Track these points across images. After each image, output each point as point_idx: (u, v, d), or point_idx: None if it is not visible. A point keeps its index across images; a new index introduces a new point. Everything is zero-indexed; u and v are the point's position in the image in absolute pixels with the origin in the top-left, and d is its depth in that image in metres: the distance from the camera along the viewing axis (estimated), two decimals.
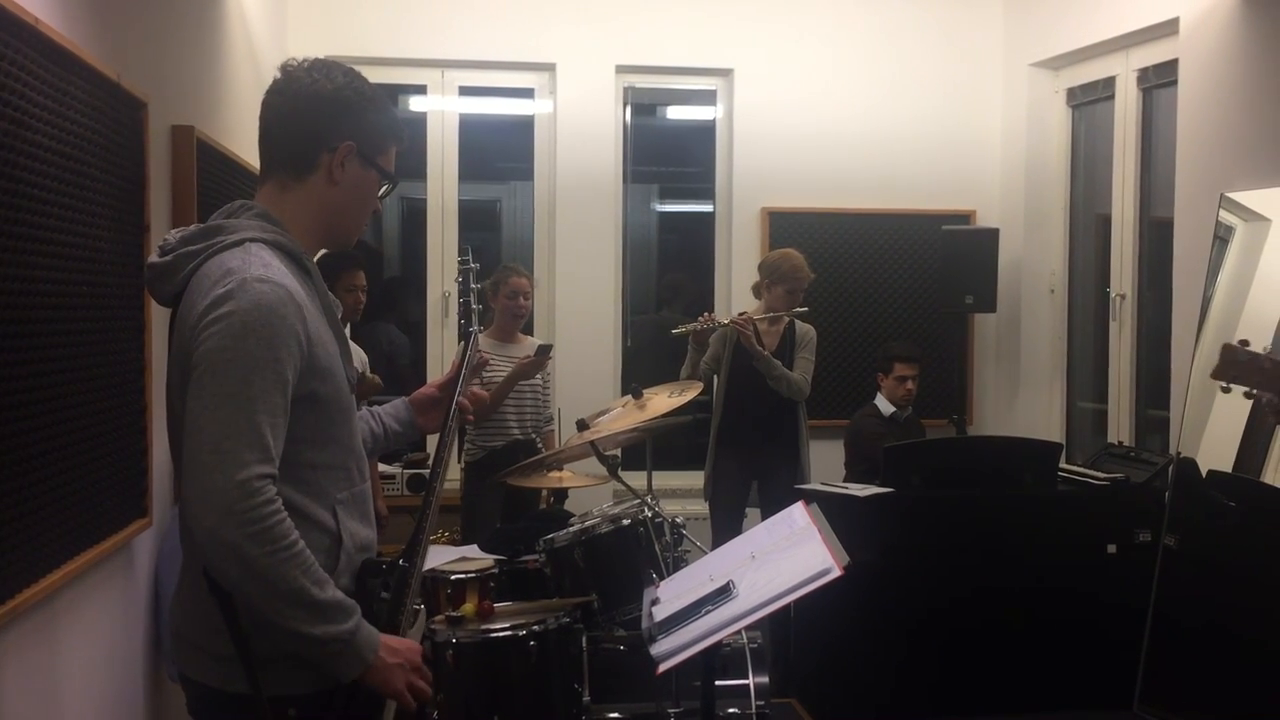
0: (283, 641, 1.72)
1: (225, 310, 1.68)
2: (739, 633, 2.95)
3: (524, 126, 6.00)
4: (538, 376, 4.86)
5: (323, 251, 2.03)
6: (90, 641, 2.74)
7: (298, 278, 1.81)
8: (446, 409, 2.21)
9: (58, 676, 2.52)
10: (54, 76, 2.40)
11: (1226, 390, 2.87)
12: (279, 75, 1.90)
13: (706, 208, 6.21)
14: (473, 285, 2.47)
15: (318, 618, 1.69)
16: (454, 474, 5.18)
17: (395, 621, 1.89)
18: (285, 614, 1.68)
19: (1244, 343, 2.85)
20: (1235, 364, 2.79)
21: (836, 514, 2.59)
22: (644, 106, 6.23)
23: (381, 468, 5.21)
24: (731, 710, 3.00)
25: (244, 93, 4.42)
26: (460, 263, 2.51)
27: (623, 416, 3.94)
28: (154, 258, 1.85)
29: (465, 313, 2.45)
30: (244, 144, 4.30)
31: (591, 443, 3.61)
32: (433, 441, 5.53)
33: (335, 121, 1.87)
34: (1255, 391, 2.81)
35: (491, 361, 4.76)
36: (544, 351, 4.68)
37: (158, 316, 3.13)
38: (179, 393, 1.75)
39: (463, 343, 2.37)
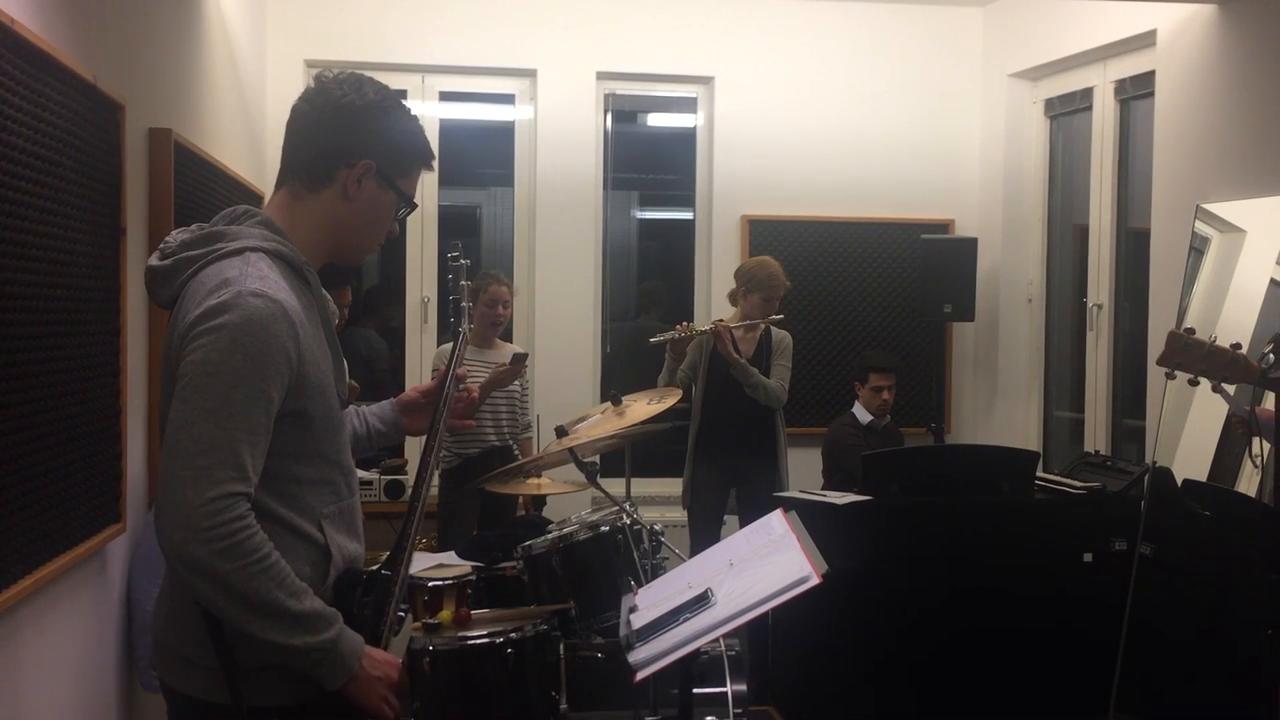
0: (266, 652, 1.70)
1: (216, 323, 1.66)
2: (717, 640, 2.94)
3: (504, 132, 5.99)
4: (515, 384, 4.85)
5: None
6: (61, 648, 2.71)
7: (297, 289, 1.79)
8: (432, 412, 2.19)
9: (27, 684, 2.49)
10: (29, 77, 2.38)
11: (1171, 377, 2.93)
12: (311, 84, 1.89)
13: (686, 215, 6.22)
14: (463, 283, 2.42)
15: (296, 629, 1.68)
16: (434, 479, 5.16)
17: (377, 632, 1.86)
18: (262, 627, 1.66)
19: (1189, 330, 2.88)
20: (1179, 350, 2.84)
21: (815, 522, 2.59)
22: (624, 113, 6.23)
23: (359, 474, 5.17)
24: (709, 718, 2.99)
25: (223, 96, 4.40)
26: (451, 259, 2.44)
27: (602, 423, 3.93)
28: (154, 260, 1.82)
29: (455, 312, 2.41)
30: (223, 147, 4.28)
31: (570, 449, 3.60)
32: (412, 448, 5.53)
33: (357, 137, 1.84)
34: (1197, 378, 2.86)
35: (470, 368, 4.75)
36: (519, 359, 4.66)
37: (134, 320, 3.10)
38: (169, 400, 1.73)
39: (451, 344, 2.34)
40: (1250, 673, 3.68)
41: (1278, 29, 4.11)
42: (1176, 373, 2.89)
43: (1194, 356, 2.83)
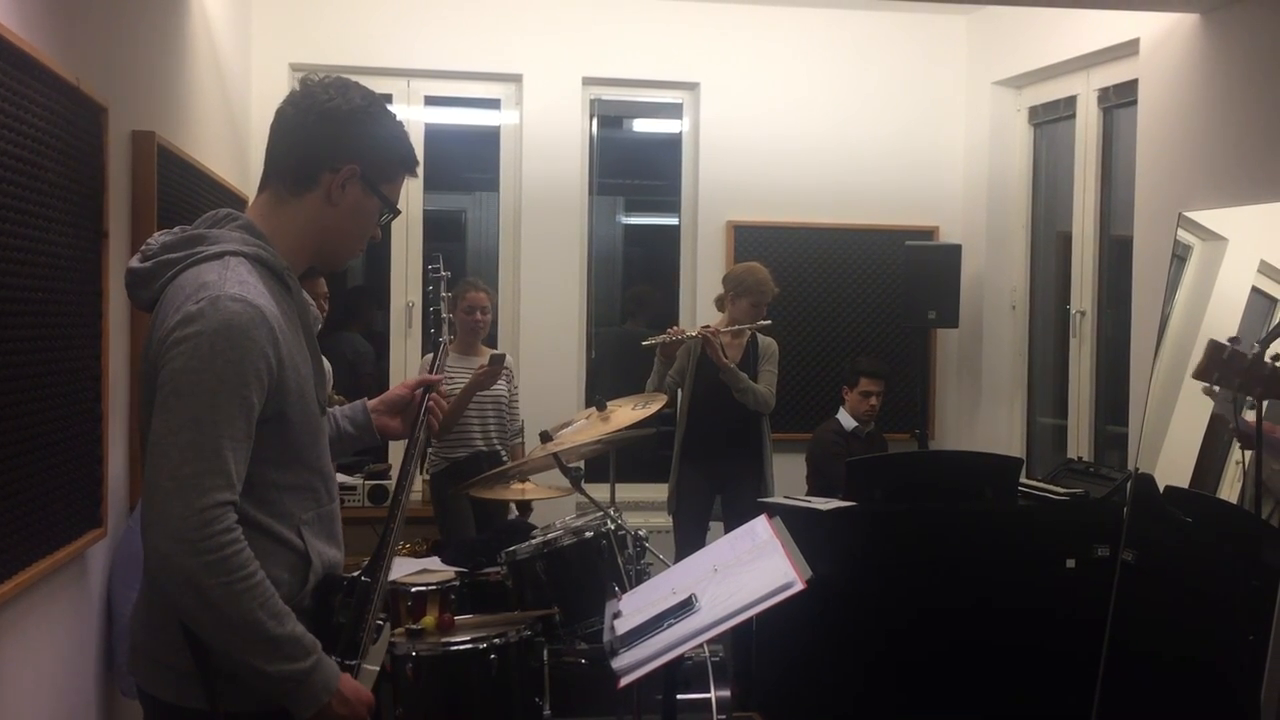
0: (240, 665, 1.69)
1: (194, 330, 1.65)
2: (701, 646, 2.94)
3: (490, 137, 5.99)
4: (503, 390, 4.84)
5: None
6: (40, 654, 2.69)
7: (277, 294, 1.77)
8: (412, 417, 2.17)
9: (5, 690, 2.47)
10: (11, 80, 2.37)
11: (1210, 394, 2.64)
12: (297, 88, 1.88)
13: (671, 220, 6.22)
14: (443, 294, 2.43)
15: (273, 654, 1.66)
16: (416, 485, 5.15)
17: (356, 639, 1.85)
18: (239, 647, 1.65)
19: (1233, 340, 2.60)
20: (1219, 362, 2.54)
21: (799, 527, 2.59)
22: (610, 119, 6.23)
23: (342, 479, 5.16)
24: None
25: (207, 99, 4.38)
26: (430, 270, 2.46)
27: (586, 428, 3.93)
28: (134, 262, 1.81)
29: (435, 322, 2.42)
30: (206, 150, 4.26)
31: (555, 454, 3.59)
32: (396, 451, 5.51)
33: (342, 142, 1.83)
34: (1238, 395, 2.59)
35: (452, 375, 4.73)
36: (497, 361, 4.65)
37: (116, 324, 3.08)
38: (148, 406, 1.72)
39: (431, 354, 2.34)
40: (1232, 678, 3.70)
41: (1259, 38, 4.14)
42: (1215, 387, 2.58)
43: (1234, 370, 2.50)
